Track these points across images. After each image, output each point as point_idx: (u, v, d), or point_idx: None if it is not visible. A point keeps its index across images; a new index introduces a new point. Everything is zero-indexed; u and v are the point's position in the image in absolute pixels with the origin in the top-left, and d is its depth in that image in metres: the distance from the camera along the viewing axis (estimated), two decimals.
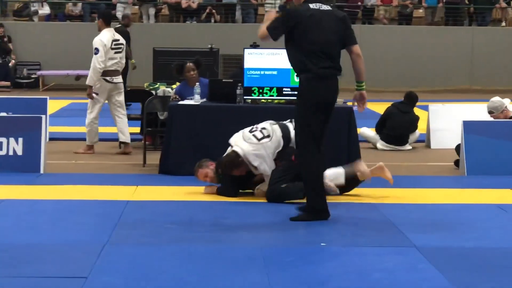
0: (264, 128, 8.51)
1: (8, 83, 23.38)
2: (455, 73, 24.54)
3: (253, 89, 9.68)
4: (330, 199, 7.83)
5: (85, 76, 11.90)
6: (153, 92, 11.96)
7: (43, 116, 10.06)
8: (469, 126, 10.17)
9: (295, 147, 7.69)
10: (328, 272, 5.89)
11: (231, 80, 10.22)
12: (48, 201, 8.32)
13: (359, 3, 25.74)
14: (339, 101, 8.86)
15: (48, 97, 13.23)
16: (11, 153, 9.81)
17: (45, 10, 25.78)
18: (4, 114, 12.04)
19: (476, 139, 10.10)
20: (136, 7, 25.47)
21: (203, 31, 23.80)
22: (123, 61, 11.73)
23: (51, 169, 9.99)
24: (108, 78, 11.40)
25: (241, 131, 8.59)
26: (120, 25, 18.05)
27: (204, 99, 10.09)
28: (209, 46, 14.48)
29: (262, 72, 9.62)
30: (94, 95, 11.36)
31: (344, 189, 8.53)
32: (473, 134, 10.11)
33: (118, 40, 11.60)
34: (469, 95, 22.41)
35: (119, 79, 11.58)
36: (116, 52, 11.52)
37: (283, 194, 8.18)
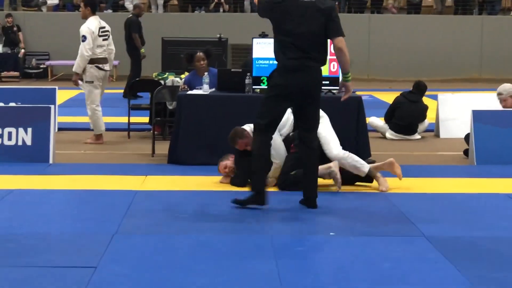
0: None
1: (17, 73, 23.41)
2: (464, 62, 24.43)
3: (262, 78, 9.66)
4: (340, 189, 7.79)
5: None
6: (162, 82, 11.96)
7: (52, 106, 10.08)
8: (478, 115, 10.13)
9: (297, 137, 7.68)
10: (337, 261, 5.89)
11: (240, 70, 10.20)
12: (57, 191, 8.33)
13: None
14: None
15: (57, 87, 13.28)
16: (20, 143, 9.83)
17: (54, 0, 25.79)
18: (13, 104, 12.08)
19: (485, 128, 10.06)
20: None
21: (212, 21, 23.77)
22: (111, 46, 11.75)
23: (60, 159, 10.00)
24: (100, 65, 11.43)
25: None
26: (131, 14, 18.10)
27: (213, 89, 10.08)
28: (218, 36, 14.44)
29: (271, 62, 9.57)
30: (80, 82, 11.42)
31: (351, 180, 8.51)
32: (482, 123, 10.06)
33: (105, 27, 11.64)
34: (479, 84, 22.33)
35: (107, 66, 11.61)
36: (104, 40, 11.56)
37: (296, 182, 8.16)
